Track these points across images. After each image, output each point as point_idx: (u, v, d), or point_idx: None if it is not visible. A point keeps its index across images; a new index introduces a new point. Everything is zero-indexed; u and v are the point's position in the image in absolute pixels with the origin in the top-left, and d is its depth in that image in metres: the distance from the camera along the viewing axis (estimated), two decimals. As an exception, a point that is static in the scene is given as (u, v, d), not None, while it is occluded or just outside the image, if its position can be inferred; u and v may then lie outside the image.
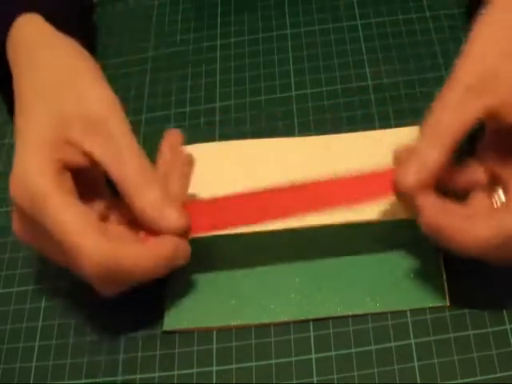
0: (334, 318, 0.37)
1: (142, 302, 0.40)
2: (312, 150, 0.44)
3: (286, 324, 0.38)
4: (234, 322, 0.38)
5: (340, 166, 0.42)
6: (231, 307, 0.38)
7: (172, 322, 0.38)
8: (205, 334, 0.38)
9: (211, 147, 0.45)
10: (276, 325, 0.38)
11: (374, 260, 0.38)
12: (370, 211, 0.39)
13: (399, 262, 0.38)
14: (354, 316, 0.37)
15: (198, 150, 0.44)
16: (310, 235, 0.40)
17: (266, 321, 0.38)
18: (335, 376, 0.35)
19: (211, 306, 0.39)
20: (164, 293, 0.40)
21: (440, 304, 0.36)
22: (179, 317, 0.39)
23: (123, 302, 0.40)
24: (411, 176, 0.34)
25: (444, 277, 0.37)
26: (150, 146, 0.46)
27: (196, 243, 0.40)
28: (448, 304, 0.36)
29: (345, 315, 0.37)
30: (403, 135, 0.40)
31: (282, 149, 0.44)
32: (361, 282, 0.38)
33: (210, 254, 0.40)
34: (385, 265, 0.38)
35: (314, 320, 0.37)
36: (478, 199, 0.36)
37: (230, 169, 0.44)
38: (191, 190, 0.42)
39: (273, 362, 0.37)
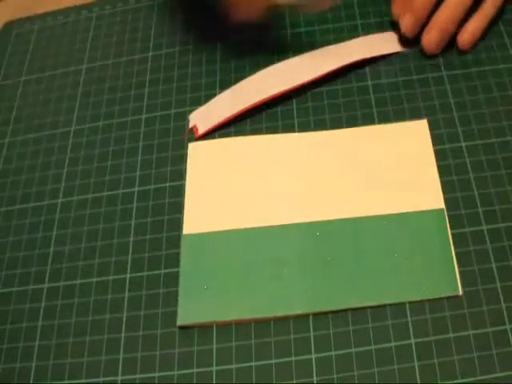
0: (333, 318, 0.37)
1: (142, 302, 0.40)
2: (314, 145, 0.44)
3: (286, 323, 0.38)
4: (247, 316, 0.38)
5: (344, 160, 0.43)
6: (244, 301, 0.38)
7: (185, 317, 0.38)
8: (204, 333, 0.38)
9: (217, 144, 0.45)
10: (277, 320, 0.38)
11: (385, 251, 0.38)
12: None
13: (410, 253, 0.38)
14: (353, 315, 0.37)
15: (200, 147, 0.45)
16: (322, 228, 0.40)
17: (280, 314, 0.38)
18: (335, 376, 0.35)
19: (224, 300, 0.39)
20: (177, 287, 0.40)
21: (453, 293, 0.36)
22: (192, 311, 0.39)
23: (123, 301, 0.40)
24: None
25: (456, 266, 0.37)
26: (151, 146, 0.47)
27: (208, 238, 0.41)
28: (460, 293, 0.36)
29: (360, 307, 0.37)
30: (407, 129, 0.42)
31: (284, 145, 0.44)
32: (373, 273, 0.38)
33: (222, 249, 0.40)
34: (396, 256, 0.38)
35: (333, 320, 0.37)
36: None
37: (232, 166, 0.44)
38: (192, 187, 0.43)
39: (273, 361, 0.37)
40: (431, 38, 0.46)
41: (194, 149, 0.45)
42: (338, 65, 0.46)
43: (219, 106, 0.47)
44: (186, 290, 0.39)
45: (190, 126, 0.47)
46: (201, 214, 0.42)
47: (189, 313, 0.39)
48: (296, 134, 0.45)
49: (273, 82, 0.46)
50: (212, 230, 0.41)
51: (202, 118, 0.47)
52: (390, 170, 0.42)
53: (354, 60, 0.46)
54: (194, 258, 0.40)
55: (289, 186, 0.42)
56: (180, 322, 0.38)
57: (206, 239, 0.41)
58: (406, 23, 0.46)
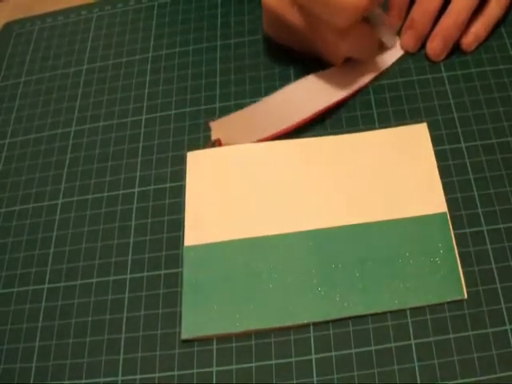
0: (335, 320, 0.37)
1: (142, 302, 0.40)
2: (315, 151, 0.44)
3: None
4: (253, 327, 0.37)
5: (342, 164, 0.43)
6: (250, 312, 0.38)
7: (190, 330, 0.38)
8: (205, 334, 0.38)
9: (221, 152, 0.45)
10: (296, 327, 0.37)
11: (389, 257, 0.38)
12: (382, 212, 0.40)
13: (414, 259, 0.38)
14: (354, 317, 0.37)
15: (198, 156, 0.45)
16: (326, 236, 0.40)
17: (287, 324, 0.37)
18: (335, 376, 0.35)
19: (229, 311, 0.38)
20: (180, 300, 0.40)
21: (458, 297, 0.36)
22: (197, 324, 0.38)
23: (123, 302, 0.40)
24: None
25: (460, 270, 0.37)
26: (150, 147, 0.47)
27: (211, 249, 0.40)
28: (466, 297, 0.36)
29: (365, 314, 0.37)
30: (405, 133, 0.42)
31: (284, 151, 0.44)
32: (378, 280, 0.38)
33: (225, 259, 0.40)
34: (401, 262, 0.38)
35: (333, 321, 0.37)
36: None
37: (231, 174, 0.43)
38: (191, 198, 0.43)
39: (273, 362, 0.37)
40: (436, 47, 0.45)
41: (193, 158, 0.45)
42: (354, 88, 0.46)
43: (241, 126, 0.45)
44: (189, 303, 0.39)
45: (213, 138, 0.45)
46: (202, 225, 0.42)
47: (193, 326, 0.38)
48: (296, 141, 0.44)
49: (296, 107, 0.45)
50: (214, 241, 0.41)
51: (224, 130, 0.45)
52: (391, 175, 0.41)
53: (368, 80, 0.46)
54: (197, 270, 0.40)
55: (290, 193, 0.42)
56: (184, 336, 0.38)
57: (207, 250, 0.40)
58: (408, 42, 0.47)
